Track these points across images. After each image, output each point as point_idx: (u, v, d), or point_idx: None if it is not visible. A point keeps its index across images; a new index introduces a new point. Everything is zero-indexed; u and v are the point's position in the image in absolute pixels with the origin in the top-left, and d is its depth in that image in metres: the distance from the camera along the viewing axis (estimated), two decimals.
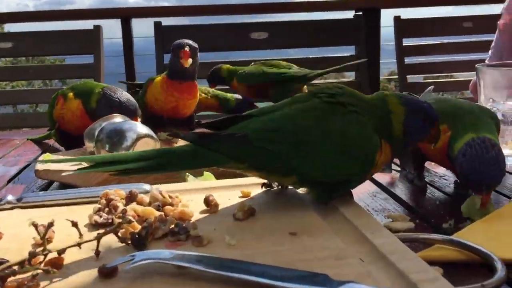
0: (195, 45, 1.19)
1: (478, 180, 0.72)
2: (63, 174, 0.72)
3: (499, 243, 0.63)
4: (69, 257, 0.56)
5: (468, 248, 0.60)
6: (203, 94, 1.40)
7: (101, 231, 0.59)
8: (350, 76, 3.30)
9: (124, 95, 1.15)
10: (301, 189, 0.75)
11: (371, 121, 0.69)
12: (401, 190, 0.89)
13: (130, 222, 0.60)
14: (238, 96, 1.45)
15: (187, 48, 1.14)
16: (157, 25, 2.39)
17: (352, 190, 0.75)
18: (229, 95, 1.46)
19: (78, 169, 0.67)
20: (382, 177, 0.96)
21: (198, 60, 1.20)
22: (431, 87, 1.05)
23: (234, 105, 1.44)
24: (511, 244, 0.63)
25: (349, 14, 2.86)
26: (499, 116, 1.01)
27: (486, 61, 2.20)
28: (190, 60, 1.14)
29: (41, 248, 0.53)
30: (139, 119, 1.19)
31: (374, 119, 0.70)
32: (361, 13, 2.73)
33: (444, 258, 0.61)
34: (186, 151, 0.69)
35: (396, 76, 2.87)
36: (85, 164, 0.67)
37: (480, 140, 0.74)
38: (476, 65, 1.06)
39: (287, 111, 0.71)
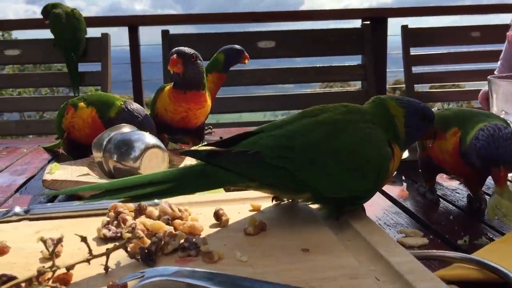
0: (191, 52, 1.16)
1: (495, 156, 0.72)
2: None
3: None
4: (77, 273, 0.55)
5: (487, 267, 0.59)
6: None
7: (110, 245, 0.58)
8: (356, 85, 3.29)
9: (143, 112, 1.14)
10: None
11: (379, 130, 0.70)
12: (413, 204, 0.88)
13: (139, 237, 0.59)
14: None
15: (174, 56, 1.13)
16: (165, 33, 2.39)
17: (364, 204, 0.74)
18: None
19: (91, 196, 0.65)
20: (393, 191, 0.94)
21: (199, 67, 1.18)
22: (435, 108, 1.04)
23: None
24: None
25: (357, 23, 2.86)
26: None
27: (496, 72, 2.19)
28: (178, 67, 1.13)
29: (50, 264, 0.52)
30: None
31: (382, 127, 0.71)
32: (368, 22, 2.72)
33: (462, 277, 0.59)
34: (197, 172, 0.67)
35: (401, 85, 2.86)
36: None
37: (492, 125, 0.75)
38: (488, 77, 1.04)
39: (297, 126, 0.70)
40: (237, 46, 1.40)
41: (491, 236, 0.73)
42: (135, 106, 1.14)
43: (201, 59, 1.19)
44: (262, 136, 0.70)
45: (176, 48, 1.16)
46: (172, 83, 1.22)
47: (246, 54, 1.40)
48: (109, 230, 0.65)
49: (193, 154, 0.69)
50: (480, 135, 0.74)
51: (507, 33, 2.15)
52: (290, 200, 0.76)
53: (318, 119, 0.70)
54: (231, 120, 3.30)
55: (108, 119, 1.12)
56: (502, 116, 1.00)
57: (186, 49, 1.16)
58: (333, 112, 0.71)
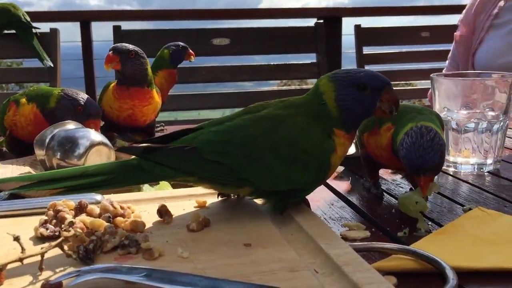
0: (129, 48, 1.14)
1: (415, 165, 0.73)
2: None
3: (451, 252, 0.64)
4: (11, 273, 0.53)
5: (422, 258, 0.61)
6: None
7: (47, 244, 0.56)
8: (312, 83, 3.33)
9: (86, 96, 1.11)
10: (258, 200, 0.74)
11: (316, 123, 0.68)
12: (357, 199, 0.89)
13: (76, 235, 0.57)
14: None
15: (110, 52, 1.11)
16: (116, 28, 2.34)
17: (309, 199, 0.75)
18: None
19: (21, 186, 0.64)
20: (339, 185, 0.96)
21: (140, 64, 1.15)
22: None
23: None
24: (463, 253, 0.64)
25: (311, 22, 2.89)
26: (453, 125, 1.04)
27: (444, 71, 2.27)
28: (115, 64, 1.11)
29: None
30: (102, 123, 1.16)
31: (315, 116, 0.68)
32: (322, 21, 2.76)
33: (399, 267, 0.61)
34: (132, 166, 0.67)
35: None
36: None
37: (417, 128, 0.74)
38: (431, 75, 1.08)
39: (237, 122, 0.70)
40: (182, 43, 1.39)
41: (430, 228, 0.75)
42: (74, 91, 1.11)
43: (144, 55, 1.16)
44: (202, 132, 0.70)
45: (114, 45, 1.14)
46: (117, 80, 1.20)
47: (191, 51, 1.39)
48: (47, 229, 0.63)
49: (128, 150, 0.68)
50: (404, 142, 0.74)
51: (455, 33, 2.23)
52: (236, 196, 0.76)
53: (258, 115, 0.70)
54: (189, 118, 3.28)
55: (50, 111, 1.09)
56: (443, 113, 1.04)
57: (125, 46, 1.13)
58: (273, 107, 0.72)
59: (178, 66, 1.41)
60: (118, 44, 1.15)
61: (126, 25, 2.42)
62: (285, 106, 0.71)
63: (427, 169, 0.73)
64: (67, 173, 0.67)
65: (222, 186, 0.70)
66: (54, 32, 2.38)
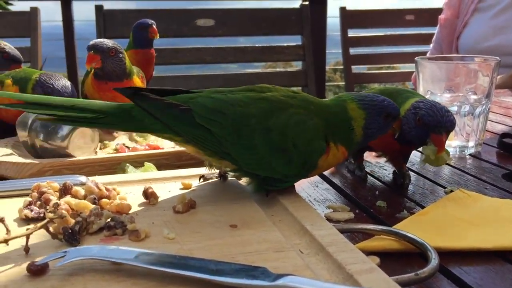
0: (109, 46, 1.10)
1: (439, 122, 0.77)
2: None
3: (433, 233, 0.65)
4: None
5: (404, 238, 0.62)
6: None
7: (32, 226, 0.56)
8: (297, 66, 3.32)
9: (60, 81, 1.09)
10: (243, 180, 0.74)
11: (318, 123, 0.68)
12: (342, 181, 0.90)
13: (62, 216, 0.57)
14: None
15: (91, 52, 1.09)
16: (98, 8, 2.30)
17: None
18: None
19: (7, 104, 0.66)
20: None
21: (120, 61, 1.12)
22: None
23: None
24: (444, 234, 0.66)
25: (296, 4, 2.87)
26: None
27: (428, 54, 2.28)
28: (96, 63, 1.09)
29: None
30: None
31: (329, 125, 0.69)
32: (307, 3, 2.75)
33: (382, 248, 0.62)
34: (125, 110, 0.68)
35: (342, 66, 2.92)
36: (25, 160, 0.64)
37: (426, 100, 0.81)
38: (415, 58, 1.08)
39: (238, 96, 0.69)
40: (147, 21, 1.37)
41: (412, 210, 0.76)
42: (50, 76, 1.09)
43: (122, 50, 1.13)
44: (201, 95, 0.69)
45: (93, 43, 1.10)
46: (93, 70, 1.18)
47: (154, 28, 1.37)
48: (31, 210, 0.63)
49: (123, 91, 0.68)
50: (420, 106, 0.79)
51: (439, 17, 2.24)
52: (219, 178, 0.76)
53: (261, 95, 0.69)
54: None
55: None
56: (427, 97, 1.05)
57: (104, 44, 1.10)
58: (279, 93, 0.70)
59: (158, 46, 1.39)
60: (97, 41, 1.11)
61: (108, 5, 2.38)
62: (293, 97, 0.70)
63: (448, 126, 0.77)
64: (58, 101, 0.68)
65: (206, 154, 0.69)
66: (34, 11, 2.34)
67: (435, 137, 0.77)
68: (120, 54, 1.13)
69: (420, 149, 0.95)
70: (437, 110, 0.77)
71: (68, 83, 1.11)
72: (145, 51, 1.39)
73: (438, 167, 0.93)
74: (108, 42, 1.12)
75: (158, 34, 1.38)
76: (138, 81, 1.21)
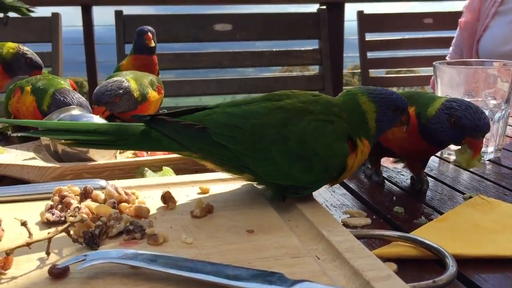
0: (112, 95, 1.11)
1: (477, 125, 0.75)
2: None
3: (451, 240, 0.65)
4: (18, 258, 0.54)
5: (422, 245, 0.62)
6: None
7: (54, 229, 0.57)
8: (314, 69, 3.32)
9: (76, 99, 1.11)
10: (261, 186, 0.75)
11: (341, 125, 0.68)
12: (359, 186, 0.90)
13: (83, 220, 0.58)
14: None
15: (95, 106, 1.11)
16: (118, 13, 2.33)
17: None
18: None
19: (32, 131, 0.69)
20: None
21: (128, 101, 1.14)
22: None
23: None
24: (462, 240, 0.65)
25: (313, 8, 2.87)
26: None
27: (447, 58, 2.26)
28: (104, 114, 1.11)
29: None
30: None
31: (349, 122, 0.69)
32: (324, 7, 2.75)
33: (399, 254, 0.62)
34: (143, 133, 0.69)
35: (360, 70, 2.91)
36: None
37: (457, 99, 0.78)
38: (433, 63, 1.08)
39: (253, 108, 0.69)
40: (144, 28, 1.38)
41: (430, 216, 0.76)
42: (65, 94, 1.11)
43: (129, 90, 1.14)
44: (216, 111, 0.70)
45: (96, 96, 1.11)
46: None
47: (149, 35, 1.36)
48: (53, 214, 0.64)
49: (139, 118, 0.70)
50: (453, 106, 0.76)
51: (459, 20, 2.22)
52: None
53: (278, 104, 0.69)
54: (191, 104, 3.27)
55: (42, 112, 1.12)
56: None
57: (106, 94, 1.11)
58: (298, 99, 0.70)
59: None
60: (99, 93, 1.11)
61: (127, 10, 2.42)
62: (314, 101, 0.70)
63: (485, 130, 0.75)
64: (80, 126, 0.71)
65: (225, 169, 0.70)
66: (55, 16, 2.38)
67: (472, 141, 0.75)
68: (126, 95, 1.13)
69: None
70: (474, 113, 0.75)
71: (83, 101, 1.12)
72: (143, 57, 1.39)
73: (456, 172, 0.92)
74: (111, 89, 1.11)
75: (152, 41, 1.37)
76: (154, 95, 1.21)
